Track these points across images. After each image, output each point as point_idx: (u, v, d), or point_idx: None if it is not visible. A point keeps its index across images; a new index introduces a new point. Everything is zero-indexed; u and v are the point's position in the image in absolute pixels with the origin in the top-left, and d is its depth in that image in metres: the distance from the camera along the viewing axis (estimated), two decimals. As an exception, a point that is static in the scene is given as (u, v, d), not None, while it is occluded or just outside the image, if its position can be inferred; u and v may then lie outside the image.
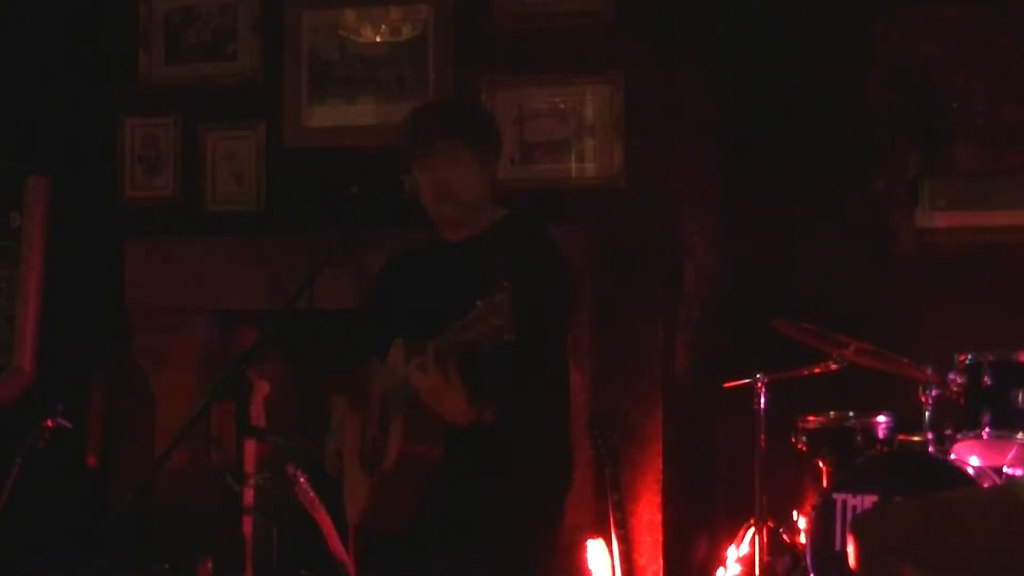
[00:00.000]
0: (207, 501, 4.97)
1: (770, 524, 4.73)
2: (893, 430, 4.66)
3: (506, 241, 3.18)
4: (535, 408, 3.13)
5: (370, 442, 3.20)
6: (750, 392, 4.68)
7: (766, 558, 4.67)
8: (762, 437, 4.66)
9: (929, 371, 4.44)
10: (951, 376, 4.43)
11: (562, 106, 4.91)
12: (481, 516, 3.12)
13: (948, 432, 4.44)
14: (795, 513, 4.89)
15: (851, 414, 4.70)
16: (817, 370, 4.63)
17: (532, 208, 3.38)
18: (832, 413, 4.73)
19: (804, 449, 4.74)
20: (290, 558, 4.74)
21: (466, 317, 2.78)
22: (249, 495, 3.82)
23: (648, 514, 4.77)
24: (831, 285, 5.32)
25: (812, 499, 4.58)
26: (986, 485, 4.21)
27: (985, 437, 4.36)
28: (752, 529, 4.70)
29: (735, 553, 4.84)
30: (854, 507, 4.36)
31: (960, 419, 4.43)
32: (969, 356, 4.42)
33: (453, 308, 2.89)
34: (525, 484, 3.15)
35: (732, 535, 4.90)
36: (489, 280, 2.80)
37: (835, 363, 4.58)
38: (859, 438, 4.62)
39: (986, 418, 4.35)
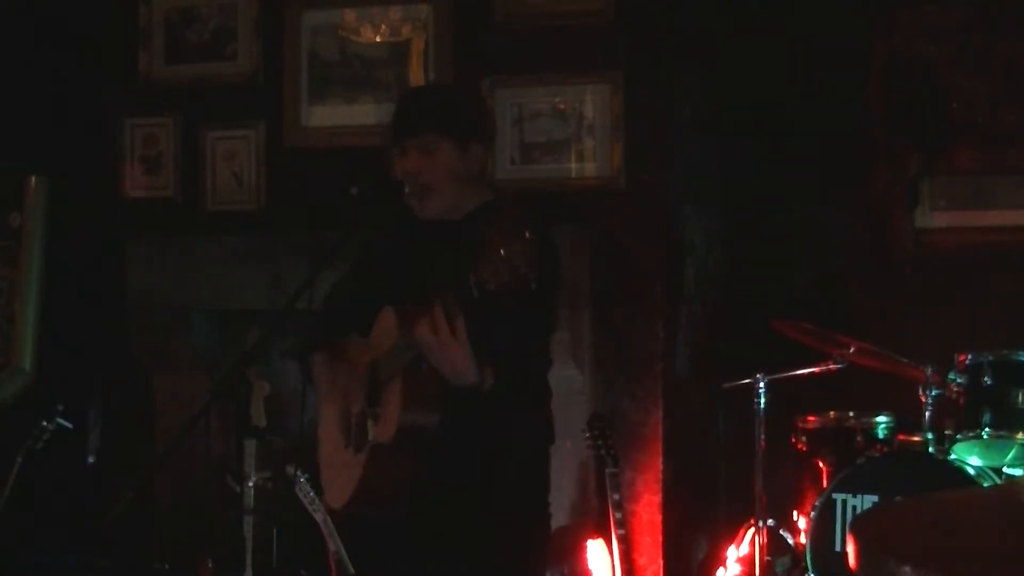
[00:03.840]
0: (207, 501, 4.98)
1: (770, 524, 4.73)
2: (893, 430, 4.66)
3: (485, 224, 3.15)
4: (529, 380, 3.12)
5: (356, 418, 3.12)
6: (750, 392, 4.68)
7: (766, 558, 4.67)
8: (762, 437, 4.65)
9: (929, 371, 4.43)
10: (951, 376, 4.43)
11: (562, 106, 4.91)
12: (477, 498, 3.09)
13: (948, 432, 4.44)
14: (795, 513, 4.89)
15: (851, 414, 4.70)
16: (817, 370, 4.63)
17: (523, 202, 3.35)
18: (832, 413, 4.73)
19: (804, 449, 4.74)
20: (290, 558, 4.74)
21: (480, 265, 2.69)
22: (249, 495, 3.82)
23: (648, 514, 4.77)
24: (831, 285, 5.31)
25: (812, 499, 4.57)
26: (986, 485, 4.21)
27: (985, 437, 4.36)
28: (752, 529, 4.70)
29: (735, 553, 4.83)
30: (854, 507, 4.35)
31: (960, 419, 4.43)
32: (969, 356, 4.42)
33: (435, 278, 2.91)
34: (519, 461, 3.14)
35: (732, 535, 4.90)
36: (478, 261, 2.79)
37: (835, 363, 4.57)
38: (859, 438, 4.61)
39: (986, 418, 4.34)
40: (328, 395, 3.26)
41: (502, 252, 2.65)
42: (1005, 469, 4.42)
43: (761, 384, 4.65)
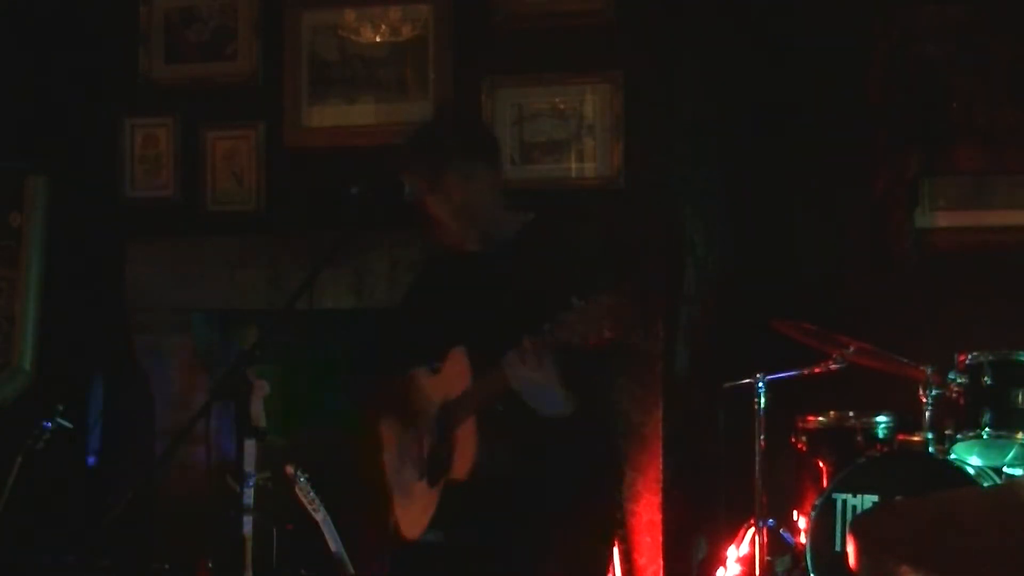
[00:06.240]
0: (207, 501, 4.97)
1: (770, 524, 4.73)
2: (893, 430, 4.66)
3: (539, 247, 3.19)
4: (599, 409, 3.15)
5: (430, 452, 3.21)
6: (750, 392, 4.68)
7: (766, 558, 4.67)
8: (762, 437, 4.65)
9: (929, 371, 4.43)
10: (951, 376, 4.43)
11: (562, 106, 4.91)
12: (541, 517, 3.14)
13: (948, 432, 4.44)
14: (795, 513, 4.89)
15: (851, 414, 4.70)
16: (817, 370, 4.63)
17: (547, 210, 3.36)
18: (832, 413, 4.73)
19: (804, 449, 4.74)
20: (290, 558, 4.74)
21: (562, 315, 2.80)
22: (249, 495, 3.82)
23: (648, 514, 4.77)
24: (831, 285, 5.31)
25: (812, 499, 4.57)
26: (986, 485, 4.21)
27: (985, 437, 4.36)
28: (752, 529, 4.70)
29: (735, 553, 4.83)
30: (854, 507, 4.36)
31: (960, 419, 4.43)
32: (969, 356, 4.42)
33: (502, 317, 3.03)
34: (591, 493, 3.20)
35: (732, 535, 4.90)
36: (539, 286, 2.93)
37: (835, 363, 4.58)
38: (859, 438, 4.61)
39: (986, 418, 4.34)
40: (392, 430, 3.34)
41: (581, 312, 2.77)
42: (1005, 469, 4.42)
43: (761, 384, 4.65)
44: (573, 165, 4.89)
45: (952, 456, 4.35)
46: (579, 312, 2.78)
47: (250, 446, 3.75)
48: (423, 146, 3.26)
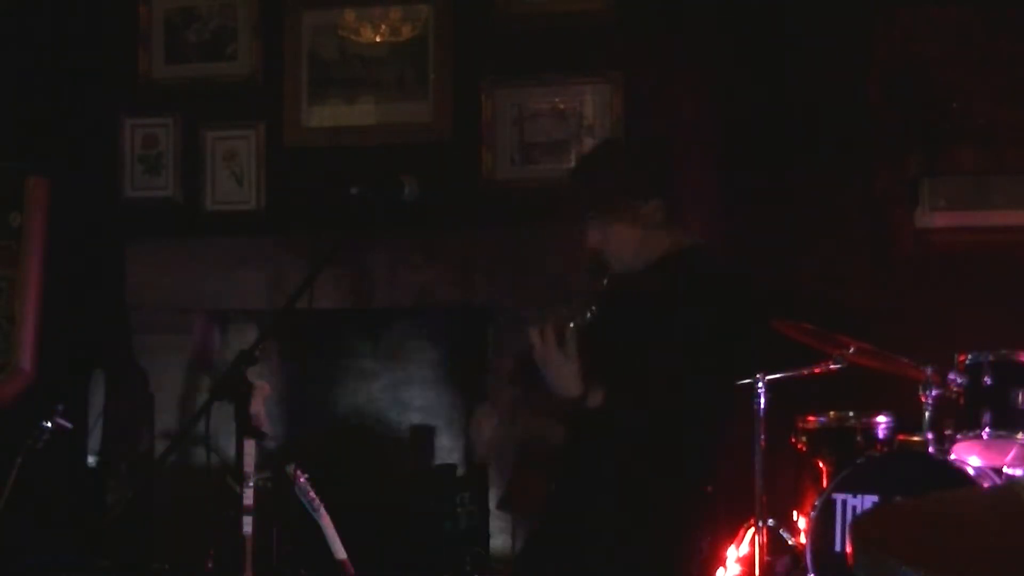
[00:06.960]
0: (207, 501, 4.97)
1: (770, 524, 4.73)
2: (893, 430, 4.66)
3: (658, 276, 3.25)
4: (649, 418, 3.09)
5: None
6: (750, 392, 4.68)
7: (766, 558, 4.66)
8: (762, 437, 4.65)
9: (929, 371, 4.43)
10: (951, 376, 4.42)
11: (562, 106, 4.91)
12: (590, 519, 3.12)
13: (948, 432, 4.43)
14: (795, 513, 4.89)
15: (851, 414, 4.69)
16: (817, 370, 4.62)
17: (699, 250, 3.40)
18: (832, 413, 4.73)
19: (804, 449, 4.73)
20: (290, 558, 4.74)
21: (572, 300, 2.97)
22: (249, 495, 3.82)
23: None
24: (831, 285, 5.31)
25: (812, 499, 4.57)
26: (986, 485, 4.21)
27: (985, 437, 4.35)
28: (752, 529, 4.70)
29: (735, 553, 4.83)
30: (854, 507, 4.35)
31: (960, 419, 4.42)
32: (969, 356, 4.41)
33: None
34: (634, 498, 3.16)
35: (732, 535, 4.89)
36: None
37: (835, 363, 4.57)
38: (859, 438, 4.61)
39: (986, 418, 4.34)
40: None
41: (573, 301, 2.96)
42: (1005, 469, 4.41)
43: (761, 384, 4.65)
44: (573, 165, 4.89)
45: (952, 456, 4.35)
46: (577, 300, 2.88)
47: (250, 446, 3.75)
48: (594, 177, 3.35)
